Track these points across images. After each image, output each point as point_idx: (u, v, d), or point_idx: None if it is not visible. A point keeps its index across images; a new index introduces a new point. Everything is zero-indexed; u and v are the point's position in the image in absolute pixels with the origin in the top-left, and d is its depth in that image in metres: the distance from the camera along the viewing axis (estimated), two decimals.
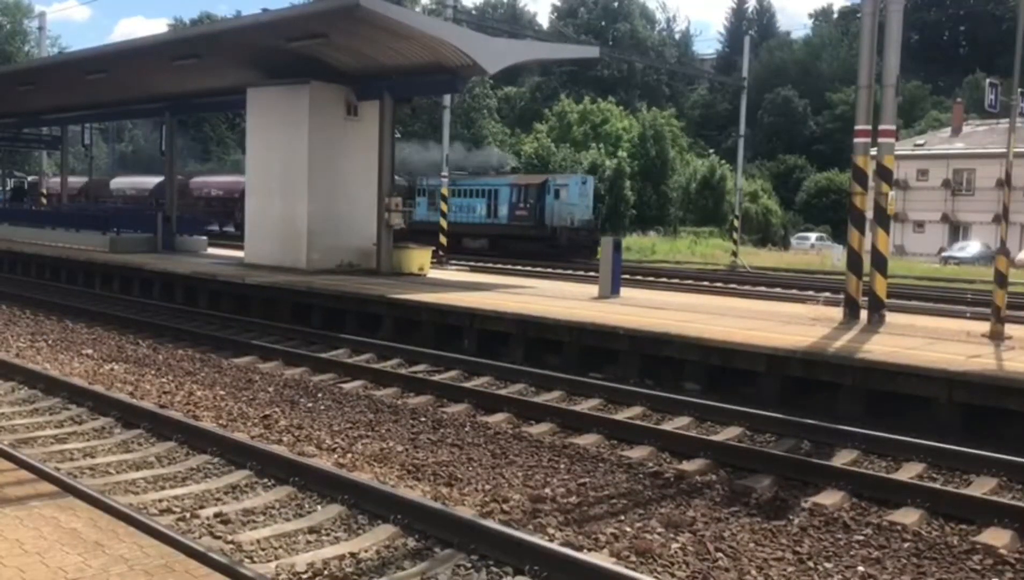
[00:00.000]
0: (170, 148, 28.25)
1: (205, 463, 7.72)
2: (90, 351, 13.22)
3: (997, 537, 6.46)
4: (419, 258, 20.97)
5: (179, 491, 7.01)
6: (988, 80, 15.10)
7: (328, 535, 6.18)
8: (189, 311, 17.64)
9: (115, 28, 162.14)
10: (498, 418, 9.72)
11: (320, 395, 10.61)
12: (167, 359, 12.74)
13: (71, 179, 52.97)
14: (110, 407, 9.37)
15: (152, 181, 53.40)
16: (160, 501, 6.72)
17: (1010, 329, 12.39)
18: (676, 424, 9.60)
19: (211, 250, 27.49)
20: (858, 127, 13.51)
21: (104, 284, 22.03)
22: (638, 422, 9.62)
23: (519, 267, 31.03)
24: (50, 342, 13.94)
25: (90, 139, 41.65)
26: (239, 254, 23.24)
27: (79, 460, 7.82)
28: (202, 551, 5.11)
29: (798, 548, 6.18)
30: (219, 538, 6.00)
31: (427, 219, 38.30)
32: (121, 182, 55.37)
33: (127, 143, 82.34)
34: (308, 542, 6.05)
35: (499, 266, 31.01)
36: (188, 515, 6.39)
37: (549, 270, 30.23)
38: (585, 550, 5.90)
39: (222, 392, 10.64)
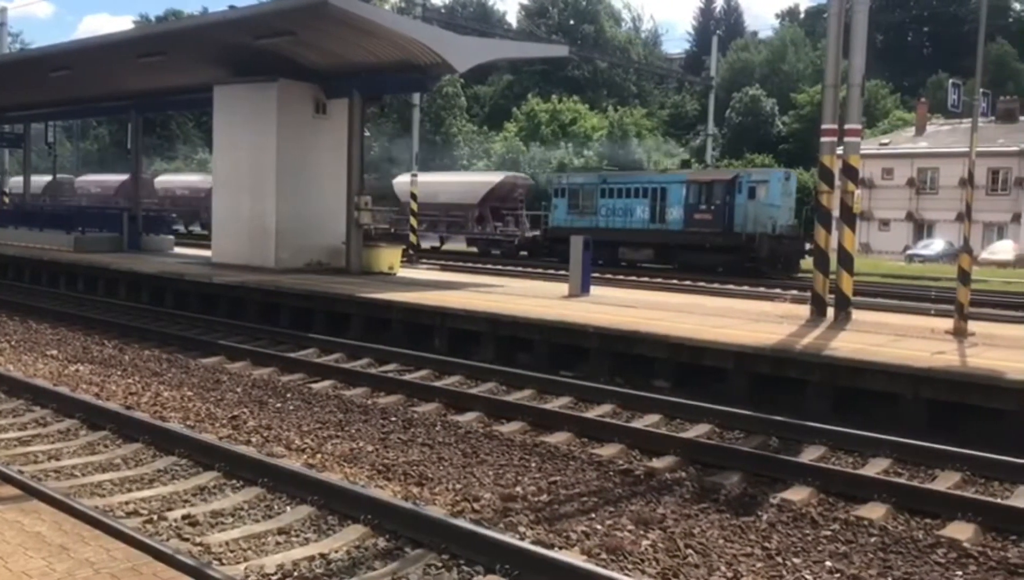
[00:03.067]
0: (136, 146, 27.95)
1: (173, 465, 7.63)
2: (54, 352, 13.03)
3: (961, 531, 6.56)
4: (389, 257, 20.91)
5: (146, 493, 6.92)
6: (951, 81, 15.36)
7: (298, 536, 6.13)
8: (155, 311, 17.45)
9: (79, 25, 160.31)
10: (469, 417, 9.71)
11: (289, 395, 10.54)
12: (133, 360, 12.59)
13: (34, 178, 51.96)
14: (75, 408, 9.24)
15: (117, 179, 52.67)
16: (127, 503, 6.64)
17: (973, 325, 12.58)
18: (646, 422, 9.64)
19: (178, 249, 27.24)
20: (824, 126, 13.65)
21: (69, 284, 21.73)
22: (608, 420, 9.66)
23: (489, 266, 31.02)
24: (13, 343, 13.73)
25: (54, 137, 41.01)
26: (206, 253, 23.04)
27: (43, 463, 7.71)
28: (170, 553, 5.06)
29: (767, 544, 6.23)
30: (187, 540, 5.94)
31: (569, 225, 33.64)
32: (86, 180, 54.70)
33: (92, 141, 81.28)
34: (277, 543, 6.00)
35: (470, 265, 30.98)
36: (155, 517, 6.32)
37: (519, 269, 30.23)
38: (556, 548, 5.91)
39: (189, 393, 10.54)
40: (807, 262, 35.78)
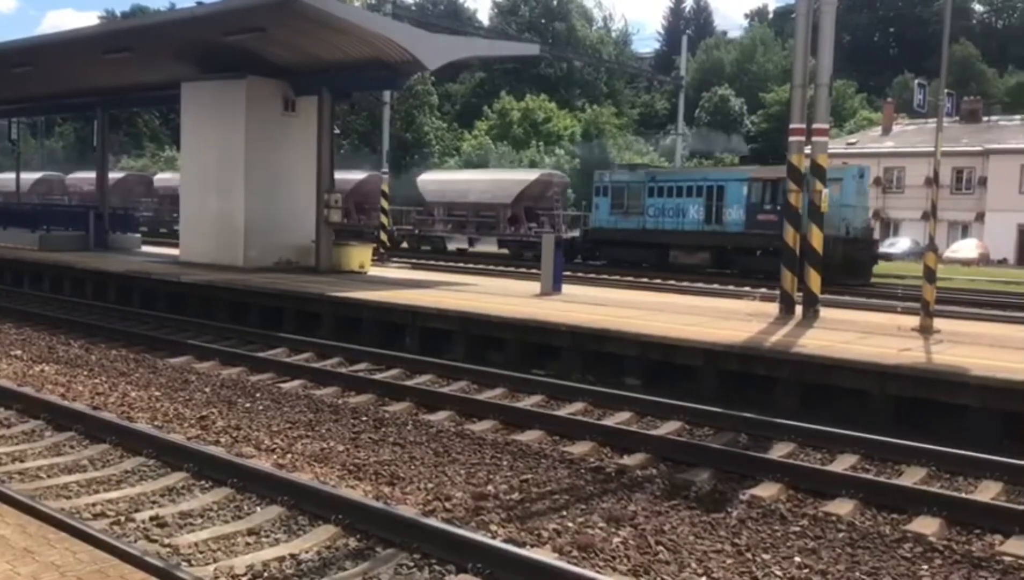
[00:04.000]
0: (102, 144, 27.63)
1: (140, 465, 7.55)
2: (19, 352, 12.84)
3: (927, 525, 6.65)
4: (359, 255, 20.82)
5: (113, 494, 6.84)
6: (916, 81, 15.53)
7: (268, 536, 6.09)
8: (122, 310, 17.25)
9: (43, 20, 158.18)
10: (440, 416, 9.69)
11: (258, 395, 10.46)
12: (100, 360, 12.44)
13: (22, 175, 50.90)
14: (40, 409, 9.10)
15: (112, 177, 51.35)
16: (93, 505, 6.56)
17: (939, 323, 12.75)
18: (617, 419, 9.67)
19: (145, 248, 26.98)
20: (792, 126, 13.77)
21: (33, 283, 21.43)
22: (580, 418, 9.69)
23: (461, 264, 30.99)
24: None
25: (18, 134, 40.43)
26: (174, 252, 22.83)
27: (7, 465, 7.59)
28: (137, 555, 5.01)
29: (737, 540, 6.27)
30: (155, 541, 5.88)
31: (613, 226, 32.42)
32: (78, 177, 53.60)
33: (57, 138, 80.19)
34: (247, 544, 5.96)
35: (441, 263, 30.92)
36: (123, 519, 6.25)
37: (491, 268, 30.22)
38: (528, 546, 5.92)
39: (157, 393, 10.43)
40: (887, 266, 33.53)
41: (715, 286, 25.22)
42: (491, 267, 30.58)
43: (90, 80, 24.16)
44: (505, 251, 38.10)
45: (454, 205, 40.33)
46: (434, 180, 43.43)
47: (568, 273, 20.56)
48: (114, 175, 52.16)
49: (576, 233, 36.32)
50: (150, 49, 20.07)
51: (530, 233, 37.25)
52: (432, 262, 31.63)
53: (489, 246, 39.91)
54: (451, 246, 40.59)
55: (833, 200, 25.41)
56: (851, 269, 27.02)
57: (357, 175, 41.97)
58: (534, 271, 22.27)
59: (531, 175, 40.72)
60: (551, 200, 39.29)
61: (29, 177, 52.55)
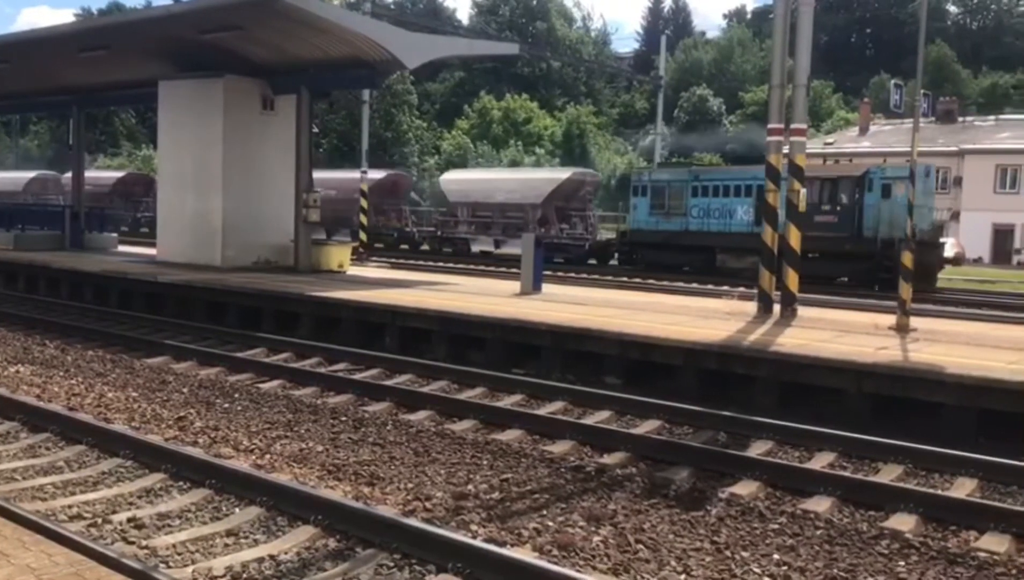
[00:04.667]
0: (78, 142, 27.41)
1: (117, 467, 7.49)
2: None
3: (904, 522, 6.71)
4: (338, 255, 20.75)
5: (90, 496, 6.78)
6: (893, 81, 15.66)
7: (247, 538, 6.06)
8: (99, 311, 17.09)
9: (18, 18, 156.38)
10: (420, 416, 9.67)
11: (237, 395, 10.40)
12: (76, 360, 12.33)
13: (15, 174, 50.15)
14: (15, 411, 9.00)
15: (112, 176, 50.53)
16: (70, 507, 6.50)
17: (915, 321, 12.87)
18: (597, 418, 9.69)
19: (122, 248, 26.75)
20: (771, 125, 13.84)
21: (8, 283, 21.19)
22: (560, 417, 9.70)
23: (441, 264, 30.94)
24: None
25: None
26: (151, 252, 22.66)
27: None
28: (114, 557, 4.97)
29: (716, 538, 6.30)
30: (133, 543, 5.83)
31: (653, 227, 30.81)
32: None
33: (32, 137, 79.35)
34: (226, 545, 5.92)
35: (421, 263, 30.87)
36: (100, 521, 6.19)
37: (472, 267, 30.19)
38: (508, 546, 5.92)
39: (135, 393, 10.35)
40: (954, 270, 30.61)
41: (694, 285, 25.33)
42: (471, 266, 30.56)
43: (66, 78, 23.93)
44: None
45: (479, 205, 38.37)
46: (458, 179, 41.58)
47: (548, 272, 20.55)
48: (113, 174, 51.67)
49: (610, 235, 35.29)
50: (127, 47, 19.90)
51: (562, 235, 35.92)
52: (412, 262, 31.56)
53: (516, 248, 38.09)
54: (475, 248, 38.54)
55: (899, 199, 25.37)
56: (918, 273, 25.11)
57: (558, 173, 39.55)
58: (514, 271, 22.19)
59: (563, 173, 38.80)
60: (583, 200, 37.58)
61: (23, 176, 51.79)
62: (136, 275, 18.19)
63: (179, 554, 5.71)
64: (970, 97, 68.60)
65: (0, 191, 46.05)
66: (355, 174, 35.97)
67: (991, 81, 73.80)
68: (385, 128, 64.35)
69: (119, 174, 52.64)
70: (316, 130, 25.93)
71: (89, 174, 53.80)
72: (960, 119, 57.73)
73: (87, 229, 26.35)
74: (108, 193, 47.17)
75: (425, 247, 39.47)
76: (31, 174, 52.33)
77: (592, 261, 34.63)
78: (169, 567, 5.50)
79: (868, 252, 26.14)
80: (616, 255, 34.52)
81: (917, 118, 13.49)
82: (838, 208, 27.09)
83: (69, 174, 53.37)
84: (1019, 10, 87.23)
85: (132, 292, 17.91)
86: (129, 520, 6.21)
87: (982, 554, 6.15)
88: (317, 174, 37.62)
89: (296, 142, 19.82)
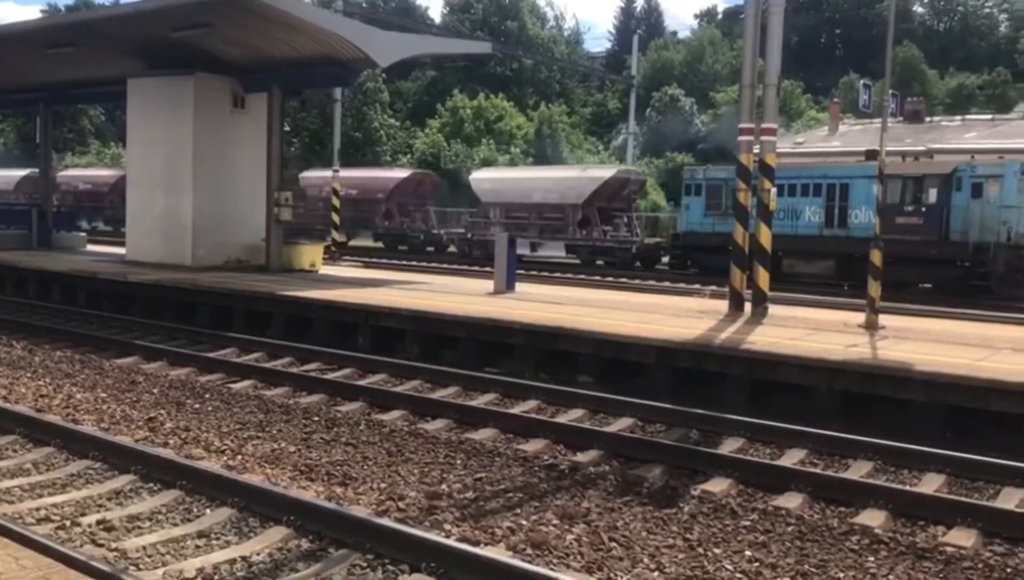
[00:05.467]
0: (46, 141, 27.06)
1: (86, 468, 7.41)
2: None
3: (873, 518, 6.78)
4: (310, 254, 20.63)
5: (58, 498, 6.70)
6: (862, 81, 15.83)
7: (218, 539, 6.02)
8: (67, 311, 16.89)
9: None
10: (393, 415, 9.65)
11: (208, 396, 10.32)
12: (44, 361, 12.17)
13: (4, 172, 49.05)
14: None
15: (113, 174, 49.36)
16: (37, 510, 6.42)
17: (884, 319, 13.01)
18: (570, 417, 9.71)
19: (91, 247, 26.44)
20: (742, 125, 13.94)
21: None
22: (533, 415, 9.71)
23: (414, 263, 30.87)
24: None
25: None
26: (120, 251, 22.42)
27: None
28: (83, 560, 4.92)
29: (688, 535, 6.34)
30: (102, 546, 5.77)
31: (710, 229, 28.42)
32: (71, 175, 51.82)
33: None
34: (197, 547, 5.88)
35: (394, 262, 30.78)
36: (68, 523, 6.12)
37: (444, 266, 30.15)
38: (482, 545, 5.92)
39: (104, 394, 10.24)
40: None
41: (666, 284, 25.44)
42: (444, 265, 30.51)
43: (33, 75, 23.60)
44: (573, 258, 34.53)
45: (513, 206, 35.96)
46: (491, 178, 39.05)
47: (521, 271, 20.54)
48: (114, 172, 50.79)
49: (657, 238, 33.52)
50: (95, 44, 19.67)
51: (604, 237, 33.90)
52: (384, 261, 31.46)
53: (554, 251, 35.51)
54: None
55: (992, 200, 24.01)
56: (1013, 279, 23.70)
57: (601, 172, 36.84)
58: (487, 270, 22.10)
59: (606, 172, 36.15)
60: (627, 200, 35.36)
61: (13, 174, 50.86)
62: (105, 275, 17.99)
63: (149, 556, 5.66)
64: (937, 98, 69.42)
65: None
66: (380, 173, 34.72)
67: (958, 82, 74.72)
68: (356, 127, 64.01)
69: (120, 173, 52.06)
70: (288, 129, 25.76)
71: (88, 173, 53.39)
72: (927, 119, 58.37)
73: (56, 228, 26.02)
74: (108, 192, 47.04)
75: (452, 249, 37.72)
76: (22, 172, 51.49)
77: (637, 264, 32.63)
78: (139, 569, 5.45)
79: (958, 257, 24.32)
80: (666, 260, 32.43)
81: (885, 118, 13.64)
82: (923, 209, 25.06)
83: (66, 172, 52.97)
84: (984, 11, 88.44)
85: (101, 292, 17.71)
86: (98, 522, 6.14)
87: (950, 549, 6.23)
88: (345, 172, 36.84)
89: (267, 141, 19.69)
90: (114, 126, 70.51)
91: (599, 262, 32.63)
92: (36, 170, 51.35)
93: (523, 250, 34.23)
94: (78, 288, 18.33)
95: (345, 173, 35.90)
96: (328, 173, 36.57)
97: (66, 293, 18.54)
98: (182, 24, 17.36)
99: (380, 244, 39.97)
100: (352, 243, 37.98)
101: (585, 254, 34.36)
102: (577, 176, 36.27)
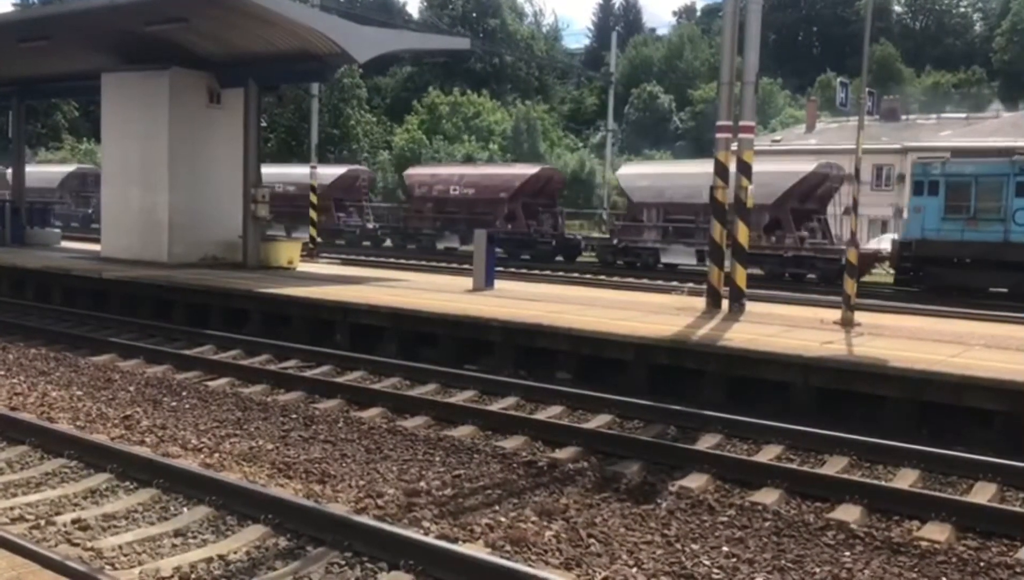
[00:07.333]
0: (18, 135, 26.75)
1: (61, 467, 7.34)
2: None
3: (849, 513, 6.84)
4: (288, 251, 20.52)
5: (33, 497, 6.64)
6: (839, 80, 15.92)
7: (195, 538, 5.98)
8: (41, 308, 16.72)
9: None
10: (372, 413, 9.63)
11: (184, 393, 10.25)
12: (18, 359, 12.04)
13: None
14: None
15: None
16: (11, 509, 6.35)
17: (860, 316, 13.12)
18: (549, 413, 9.73)
19: (65, 243, 26.19)
20: (720, 123, 13.99)
21: None
22: (512, 412, 9.72)
23: (391, 260, 30.76)
24: None
25: None
26: (95, 248, 22.21)
27: None
28: (58, 560, 4.88)
29: (666, 531, 6.37)
30: (77, 545, 5.72)
31: (953, 237, 23.36)
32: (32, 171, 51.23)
33: None
34: (174, 546, 5.84)
35: (372, 259, 30.65)
36: (43, 522, 6.06)
37: (423, 263, 30.06)
38: (460, 542, 5.92)
39: (79, 392, 10.15)
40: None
41: (644, 281, 25.52)
42: (422, 262, 30.41)
43: (5, 69, 23.33)
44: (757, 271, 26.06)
45: (675, 207, 29.77)
46: (647, 173, 32.85)
47: (500, 268, 20.50)
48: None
49: (821, 239, 28.52)
50: (68, 38, 19.47)
51: (801, 245, 27.91)
52: (363, 258, 31.33)
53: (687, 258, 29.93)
54: (664, 259, 30.26)
55: None
56: None
57: (524, 169, 34.81)
58: (466, 266, 22.03)
59: (806, 166, 29.62)
60: (822, 200, 29.71)
61: (61, 170, 49.94)
62: (80, 271, 17.82)
63: (125, 555, 5.62)
64: (913, 96, 70.01)
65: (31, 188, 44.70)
66: (501, 169, 32.28)
67: (933, 80, 75.41)
68: (333, 124, 63.70)
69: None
70: (264, 124, 25.59)
71: (89, 167, 52.68)
72: (903, 117, 58.88)
73: (29, 224, 25.74)
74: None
75: (589, 257, 32.07)
76: (70, 168, 50.39)
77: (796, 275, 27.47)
78: (115, 569, 5.41)
79: None
80: (893, 274, 25.92)
81: (862, 116, 13.73)
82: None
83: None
84: (959, 10, 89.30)
85: (76, 289, 17.54)
86: (74, 521, 6.09)
87: (924, 543, 6.30)
88: (457, 169, 33.69)
89: (244, 136, 19.56)
90: (88, 121, 69.74)
91: (807, 276, 26.61)
92: (86, 167, 50.75)
93: (687, 259, 29.43)
94: (52, 285, 18.14)
95: (457, 169, 32.45)
96: (445, 169, 33.01)
97: (40, 290, 18.35)
98: (156, 19, 17.19)
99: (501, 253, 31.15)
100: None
101: (773, 266, 27.83)
102: (766, 170, 25.66)
